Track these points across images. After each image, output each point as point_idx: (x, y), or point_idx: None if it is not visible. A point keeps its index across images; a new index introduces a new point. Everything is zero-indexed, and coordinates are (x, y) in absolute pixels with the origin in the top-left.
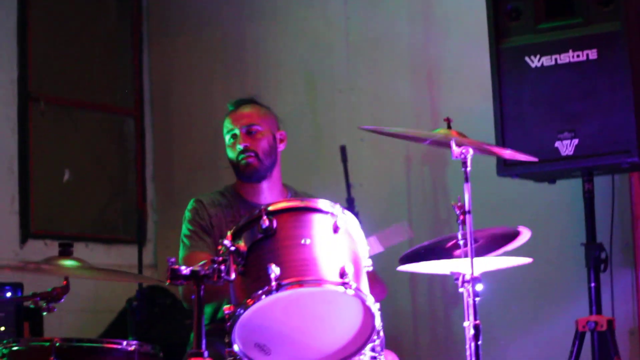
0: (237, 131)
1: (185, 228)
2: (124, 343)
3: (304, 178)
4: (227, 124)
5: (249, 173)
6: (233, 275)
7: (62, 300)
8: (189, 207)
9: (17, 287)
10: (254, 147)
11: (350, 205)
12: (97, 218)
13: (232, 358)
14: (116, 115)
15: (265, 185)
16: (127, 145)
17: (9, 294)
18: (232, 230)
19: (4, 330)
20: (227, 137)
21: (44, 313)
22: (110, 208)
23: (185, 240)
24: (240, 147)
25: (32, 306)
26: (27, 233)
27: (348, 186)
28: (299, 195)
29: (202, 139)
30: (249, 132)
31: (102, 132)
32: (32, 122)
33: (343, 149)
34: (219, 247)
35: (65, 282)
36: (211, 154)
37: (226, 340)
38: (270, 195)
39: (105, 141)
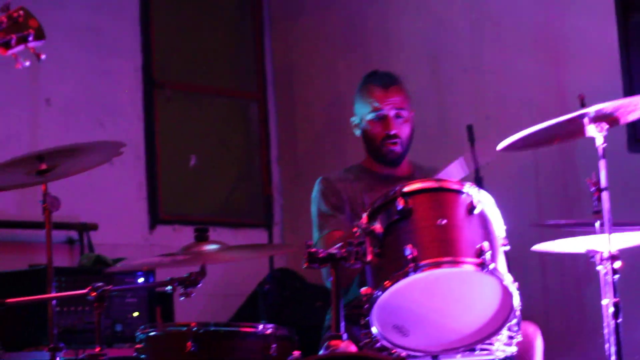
0: (386, 113)
1: (315, 209)
2: (260, 327)
3: (430, 158)
4: (374, 101)
5: (390, 159)
6: (369, 257)
7: (200, 285)
8: (316, 186)
9: (148, 273)
10: (400, 134)
11: (479, 184)
12: (224, 202)
13: (368, 340)
14: (240, 99)
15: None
16: (252, 129)
17: (141, 280)
18: (367, 212)
19: (137, 316)
20: (371, 114)
21: (182, 298)
22: (237, 192)
23: (317, 221)
24: (389, 132)
25: (170, 291)
26: (155, 219)
27: (476, 165)
28: (425, 170)
29: (325, 121)
30: (397, 117)
31: (226, 116)
32: (158, 108)
33: (470, 129)
34: (354, 230)
35: (202, 267)
36: (335, 135)
37: (361, 323)
38: (398, 170)
39: (230, 126)
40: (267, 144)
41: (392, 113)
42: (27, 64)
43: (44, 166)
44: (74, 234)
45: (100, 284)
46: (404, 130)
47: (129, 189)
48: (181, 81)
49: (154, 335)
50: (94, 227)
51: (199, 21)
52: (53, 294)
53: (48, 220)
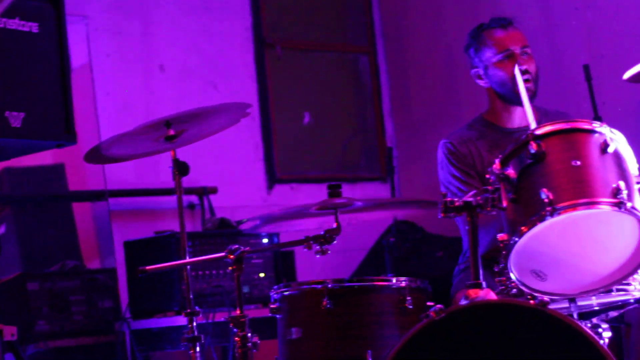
0: (512, 50)
1: (444, 174)
2: (394, 280)
3: (545, 99)
4: (498, 43)
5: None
6: (505, 203)
7: (335, 242)
8: (440, 150)
9: (272, 234)
10: (530, 69)
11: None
12: (340, 158)
13: (502, 287)
14: (350, 54)
15: (519, 108)
16: (363, 83)
17: (265, 240)
18: (500, 158)
19: (263, 277)
20: (498, 56)
21: (317, 255)
22: (351, 147)
23: (450, 188)
24: (520, 68)
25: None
26: (273, 179)
27: (594, 105)
28: (550, 114)
29: (437, 70)
30: (523, 53)
31: (337, 72)
32: (269, 68)
33: (586, 68)
34: (487, 176)
35: (336, 223)
36: (448, 84)
37: (495, 270)
38: (525, 118)
39: (341, 81)
40: (379, 96)
41: (517, 50)
42: None
43: (171, 132)
44: (194, 199)
45: (235, 246)
46: (532, 66)
47: (245, 150)
48: (290, 39)
49: (288, 294)
50: (213, 190)
51: None
52: (192, 259)
53: (178, 186)
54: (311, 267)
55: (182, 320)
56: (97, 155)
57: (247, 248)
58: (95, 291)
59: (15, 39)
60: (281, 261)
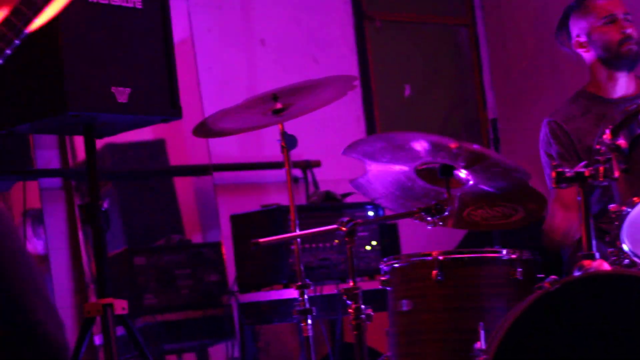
0: (616, 15)
1: (543, 153)
2: (504, 252)
3: None
4: (601, 8)
5: (631, 59)
6: (617, 174)
7: (447, 213)
8: (543, 129)
9: (377, 206)
10: (633, 35)
11: None
12: (441, 130)
13: (615, 258)
14: (449, 26)
15: (624, 77)
16: (463, 55)
17: (371, 213)
18: (610, 129)
19: (369, 250)
20: (601, 21)
21: (429, 227)
22: (452, 119)
23: (548, 169)
24: (624, 31)
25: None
26: None
27: None
28: None
29: (537, 41)
30: (626, 19)
31: (436, 44)
32: (369, 41)
33: None
34: (597, 147)
35: (447, 194)
36: (548, 54)
37: (606, 240)
38: (627, 87)
39: (441, 53)
40: (479, 68)
41: (621, 15)
42: None
43: (279, 105)
44: (297, 173)
45: (346, 218)
46: (635, 31)
47: (347, 123)
48: (390, 11)
49: (398, 266)
50: (317, 164)
51: None
52: (303, 231)
53: (287, 159)
54: (415, 240)
55: (289, 294)
56: (205, 129)
57: (359, 220)
58: (201, 265)
59: (120, 15)
60: (385, 234)
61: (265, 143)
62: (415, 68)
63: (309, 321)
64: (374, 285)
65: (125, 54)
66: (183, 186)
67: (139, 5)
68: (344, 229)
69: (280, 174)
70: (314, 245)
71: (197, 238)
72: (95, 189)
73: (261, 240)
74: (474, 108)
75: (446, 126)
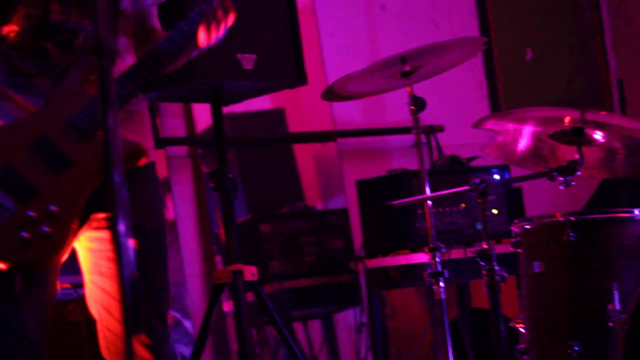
0: None
1: None
2: (637, 211)
3: None
4: None
5: None
6: None
7: (579, 173)
8: None
9: (503, 168)
10: None
11: None
12: (564, 93)
13: None
14: None
15: None
16: (584, 17)
17: (497, 177)
18: None
19: (496, 214)
20: None
21: (561, 187)
22: (575, 81)
23: None
24: None
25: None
26: None
27: None
28: None
29: None
30: None
31: (557, 6)
32: (490, 4)
33: None
34: None
35: (578, 154)
36: None
37: None
38: None
39: (562, 15)
40: (601, 30)
41: None
42: None
43: (407, 68)
44: (421, 138)
45: (478, 180)
46: None
47: (469, 88)
48: None
49: (529, 228)
50: (440, 129)
51: None
52: (434, 193)
53: (416, 122)
54: (539, 203)
55: (416, 258)
56: (333, 94)
57: (493, 181)
58: (326, 232)
59: None
60: (512, 198)
61: (387, 108)
62: (537, 31)
63: (441, 284)
64: (502, 249)
65: (250, 21)
66: (303, 154)
67: None
68: (476, 190)
69: (403, 139)
70: (440, 209)
71: (318, 205)
72: (224, 156)
73: (394, 202)
74: (597, 70)
75: (569, 89)
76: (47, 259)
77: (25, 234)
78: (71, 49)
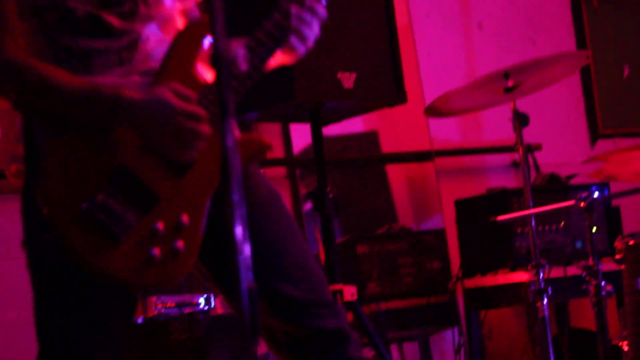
0: None
1: None
2: None
3: None
4: None
5: None
6: None
7: None
8: None
9: (603, 185)
10: None
11: None
12: None
13: None
14: None
15: None
16: None
17: (596, 194)
18: None
19: (596, 231)
20: None
21: None
22: None
23: None
24: None
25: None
26: (595, 134)
27: None
28: None
29: None
30: None
31: None
32: (587, 21)
33: None
34: None
35: None
36: None
37: None
38: None
39: None
40: None
41: None
42: None
43: (510, 83)
44: (516, 157)
45: (585, 194)
46: None
47: (567, 105)
48: None
49: (633, 243)
50: (537, 147)
51: None
52: (539, 208)
53: (519, 137)
54: (638, 221)
55: (516, 277)
56: (435, 110)
57: (597, 196)
58: (424, 252)
59: (345, 1)
60: (611, 216)
61: (484, 127)
62: (634, 48)
63: (545, 301)
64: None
65: (350, 39)
66: (396, 175)
67: None
68: (582, 204)
69: (500, 158)
70: (540, 228)
71: (411, 225)
72: (324, 176)
73: (499, 218)
74: None
75: None
76: (177, 280)
77: (154, 252)
78: (135, 20)
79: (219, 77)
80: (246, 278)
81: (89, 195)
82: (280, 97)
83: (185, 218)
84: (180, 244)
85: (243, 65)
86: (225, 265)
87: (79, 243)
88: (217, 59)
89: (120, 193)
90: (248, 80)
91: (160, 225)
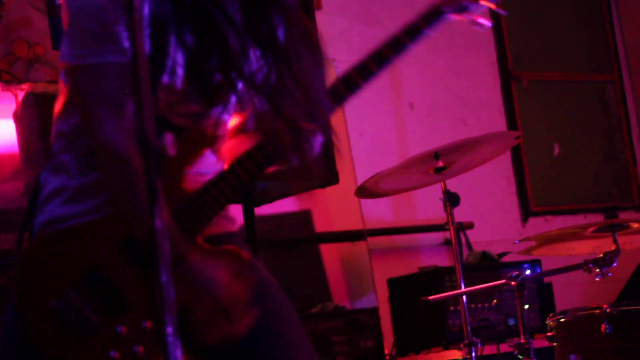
0: None
1: None
2: None
3: None
4: None
5: None
6: None
7: (614, 264)
8: None
9: (534, 263)
10: None
11: None
12: (592, 188)
13: None
14: (595, 83)
15: None
16: (610, 112)
17: (528, 272)
18: None
19: (527, 308)
20: None
21: (597, 278)
22: (602, 176)
23: None
24: None
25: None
26: (527, 212)
27: None
28: None
29: None
30: None
31: (583, 101)
32: (517, 101)
33: None
34: None
35: (614, 246)
36: None
37: None
38: None
39: (588, 110)
40: (627, 124)
41: None
42: (489, 23)
43: (440, 164)
44: (448, 235)
45: (516, 272)
46: None
47: (498, 184)
48: (536, 71)
49: (565, 321)
50: (469, 225)
51: (547, 8)
52: (469, 288)
53: (450, 217)
54: (570, 298)
55: (449, 356)
56: (366, 191)
57: (527, 274)
58: (358, 331)
59: None
60: (543, 293)
61: (417, 206)
62: (564, 126)
63: None
64: (535, 344)
65: None
66: (329, 254)
67: None
68: (513, 283)
69: (432, 236)
70: (472, 305)
71: (345, 304)
72: (256, 255)
73: (430, 297)
74: (625, 164)
75: (597, 184)
76: None
77: (113, 354)
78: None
79: (147, 162)
80: None
81: (58, 292)
82: None
83: (149, 324)
84: (140, 349)
85: (171, 150)
86: None
87: (43, 335)
88: (145, 145)
89: (91, 293)
90: (242, 188)
91: (123, 330)
